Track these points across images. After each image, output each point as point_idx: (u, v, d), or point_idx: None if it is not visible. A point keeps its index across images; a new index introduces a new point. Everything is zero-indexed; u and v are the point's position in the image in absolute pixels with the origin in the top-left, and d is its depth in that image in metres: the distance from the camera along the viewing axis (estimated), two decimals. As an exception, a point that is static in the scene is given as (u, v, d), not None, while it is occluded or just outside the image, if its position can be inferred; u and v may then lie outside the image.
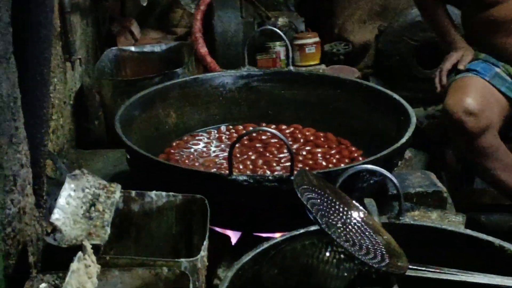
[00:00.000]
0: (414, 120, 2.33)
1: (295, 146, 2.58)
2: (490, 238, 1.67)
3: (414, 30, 3.55)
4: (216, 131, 2.73)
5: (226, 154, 2.40)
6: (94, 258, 1.46)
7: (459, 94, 2.61)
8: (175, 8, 4.28)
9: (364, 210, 1.74)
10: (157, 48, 3.47)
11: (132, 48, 3.47)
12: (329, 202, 1.70)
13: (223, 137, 2.67)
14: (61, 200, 1.63)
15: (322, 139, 2.66)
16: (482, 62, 2.75)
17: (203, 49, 3.76)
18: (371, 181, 2.10)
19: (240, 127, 2.74)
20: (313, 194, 1.66)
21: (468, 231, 1.72)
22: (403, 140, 2.21)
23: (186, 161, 2.47)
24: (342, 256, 1.58)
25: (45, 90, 1.67)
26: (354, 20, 4.15)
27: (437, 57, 3.41)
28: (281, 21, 3.95)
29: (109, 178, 2.57)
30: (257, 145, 2.59)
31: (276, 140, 2.58)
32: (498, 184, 2.77)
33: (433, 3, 2.87)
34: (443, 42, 2.91)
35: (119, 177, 2.64)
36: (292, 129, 2.72)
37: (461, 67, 2.70)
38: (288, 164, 1.99)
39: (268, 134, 2.58)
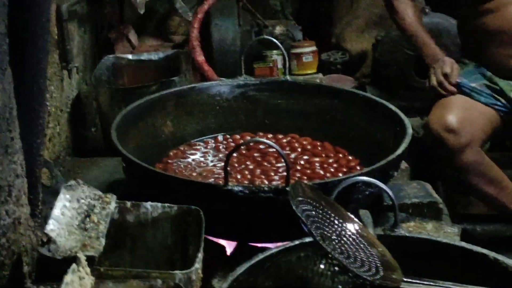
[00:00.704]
0: (410, 131, 2.34)
1: (292, 156, 2.58)
2: (485, 251, 1.67)
3: (411, 39, 3.55)
4: (213, 141, 2.73)
5: (223, 163, 2.41)
6: (88, 270, 1.45)
7: (440, 110, 2.63)
8: (173, 16, 4.29)
9: (359, 222, 1.74)
10: (154, 56, 3.47)
11: (130, 56, 3.47)
12: (324, 214, 1.70)
13: (220, 147, 2.67)
14: (56, 211, 1.62)
15: (319, 148, 2.66)
16: (468, 74, 2.77)
17: (201, 57, 3.76)
18: (367, 192, 2.10)
19: (237, 136, 2.74)
20: (308, 206, 1.67)
21: (463, 244, 1.72)
22: (399, 151, 2.21)
23: (184, 171, 2.47)
24: (336, 268, 1.58)
25: (41, 100, 1.67)
26: (352, 29, 4.15)
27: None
28: (278, 29, 3.96)
29: (105, 186, 2.57)
30: (255, 154, 2.59)
31: (273, 150, 2.57)
32: (484, 198, 2.79)
33: (411, 14, 2.86)
34: (423, 53, 2.88)
35: (115, 185, 2.64)
36: (289, 138, 2.72)
37: (453, 81, 2.69)
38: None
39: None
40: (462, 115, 2.60)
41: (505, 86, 2.75)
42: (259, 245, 2.16)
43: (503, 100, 2.74)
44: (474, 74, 2.79)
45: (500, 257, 1.65)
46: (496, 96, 2.74)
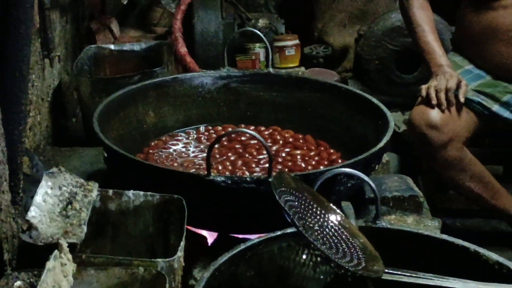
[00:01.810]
0: (392, 124, 2.35)
1: (274, 148, 2.58)
2: (466, 244, 1.68)
3: (394, 35, 3.56)
4: (195, 132, 2.73)
5: (205, 154, 2.40)
6: (70, 256, 1.45)
7: (423, 106, 2.63)
8: (155, 7, 4.27)
9: (341, 213, 1.75)
10: (136, 47, 3.46)
11: (112, 46, 3.45)
12: (306, 204, 1.70)
13: (202, 138, 2.67)
14: (38, 198, 1.62)
15: (301, 141, 2.66)
16: (463, 75, 2.75)
17: (183, 49, 3.76)
18: (349, 184, 2.10)
19: (219, 128, 2.74)
20: (291, 197, 1.67)
21: (444, 236, 1.73)
22: (381, 144, 2.22)
23: (165, 161, 2.47)
24: (318, 258, 1.58)
25: (23, 86, 1.66)
26: (334, 24, 4.15)
27: (416, 63, 3.44)
28: (261, 22, 3.96)
29: (86, 176, 2.56)
30: (237, 146, 2.59)
31: (255, 142, 2.58)
32: (466, 193, 2.79)
33: (425, 17, 2.81)
34: (430, 61, 2.74)
35: (96, 175, 2.62)
36: (271, 130, 2.73)
37: (462, 99, 2.63)
38: (267, 165, 1.99)
39: (247, 135, 2.57)
40: (446, 112, 2.60)
41: (501, 90, 2.74)
42: (240, 236, 2.16)
43: (494, 108, 2.73)
44: (470, 74, 2.78)
45: (481, 250, 1.66)
46: (487, 100, 2.73)
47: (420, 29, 2.77)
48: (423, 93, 2.62)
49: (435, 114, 2.60)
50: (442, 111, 2.59)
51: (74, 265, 1.45)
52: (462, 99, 2.59)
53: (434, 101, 2.58)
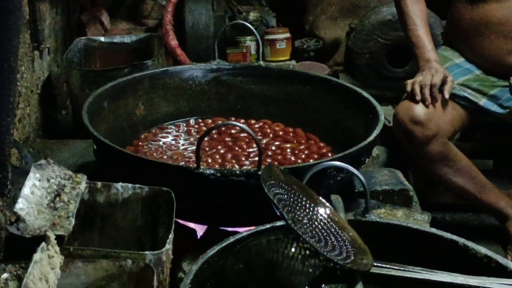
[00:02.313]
0: (382, 118, 2.35)
1: (264, 141, 2.58)
2: (455, 237, 1.68)
3: (385, 28, 3.56)
4: (185, 124, 2.72)
5: (194, 147, 2.40)
6: (57, 249, 1.44)
7: (408, 102, 2.63)
8: (146, -1, 4.26)
9: (330, 206, 1.75)
10: (127, 39, 3.45)
11: (102, 39, 3.45)
12: (296, 198, 1.70)
13: (192, 131, 2.66)
14: (26, 190, 1.61)
15: (291, 134, 2.66)
16: (452, 68, 2.76)
17: (174, 42, 3.75)
18: (338, 178, 2.10)
19: (209, 120, 2.74)
20: (280, 190, 1.66)
21: (433, 230, 1.73)
22: (371, 138, 2.22)
23: (155, 153, 2.46)
24: (307, 252, 1.58)
25: (12, 78, 1.65)
26: (326, 17, 4.15)
27: (407, 57, 3.44)
28: (252, 15, 3.95)
29: (75, 168, 2.55)
30: (226, 139, 2.59)
31: (245, 135, 2.57)
32: (452, 188, 2.80)
33: (418, 11, 2.80)
34: (419, 55, 2.74)
35: (85, 167, 2.62)
36: (261, 124, 2.72)
37: (446, 95, 2.63)
38: (257, 158, 1.99)
39: (237, 128, 2.57)
40: (430, 107, 2.60)
41: (489, 84, 2.74)
42: (229, 229, 2.16)
43: (481, 102, 2.73)
44: (459, 68, 2.78)
45: (470, 244, 1.66)
46: (474, 95, 2.73)
47: (411, 22, 2.77)
48: (408, 88, 2.62)
49: (419, 110, 2.60)
50: (427, 106, 2.59)
51: (62, 258, 1.45)
52: (446, 95, 2.59)
53: (418, 97, 2.59)
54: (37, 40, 2.92)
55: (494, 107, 2.74)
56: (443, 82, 2.59)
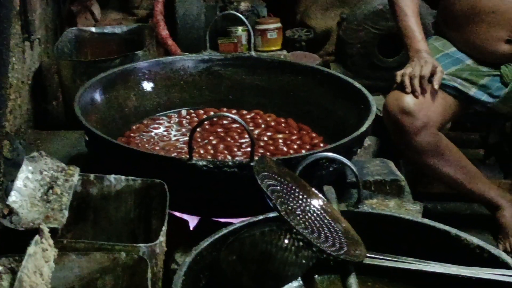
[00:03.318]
0: (374, 108, 2.35)
1: (256, 132, 2.58)
2: (447, 228, 1.69)
3: (376, 18, 3.57)
4: (176, 115, 2.72)
5: (186, 138, 2.40)
6: (51, 241, 1.44)
7: (398, 92, 2.63)
8: (137, -11, 4.24)
9: (323, 198, 1.75)
10: (117, 30, 3.44)
11: (93, 29, 3.43)
12: (288, 189, 1.70)
13: (184, 121, 2.66)
14: (19, 183, 1.61)
15: (283, 125, 2.66)
16: (442, 58, 2.76)
17: (164, 32, 3.74)
18: (331, 169, 2.11)
19: (201, 111, 2.73)
20: (273, 181, 1.66)
21: (426, 221, 1.74)
22: (363, 128, 2.22)
23: (146, 145, 2.46)
24: (300, 243, 1.58)
25: (3, 70, 1.65)
26: (317, 7, 4.15)
27: (398, 46, 3.44)
28: (243, 5, 3.94)
29: (67, 160, 2.55)
30: (218, 130, 2.58)
31: (237, 125, 2.57)
32: (442, 178, 2.80)
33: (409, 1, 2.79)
34: (409, 46, 2.73)
35: (76, 159, 2.62)
36: (253, 114, 2.72)
37: (436, 86, 2.63)
38: (249, 149, 1.99)
39: (230, 119, 2.57)
40: (420, 98, 2.60)
41: (480, 74, 2.75)
42: (222, 220, 2.16)
43: (471, 92, 2.74)
44: (449, 58, 2.79)
45: (462, 234, 1.67)
46: (464, 84, 2.73)
47: (402, 13, 2.76)
48: (398, 79, 2.63)
49: (409, 100, 2.60)
50: (416, 97, 2.60)
51: (56, 250, 1.45)
52: (436, 86, 2.59)
53: (408, 89, 2.59)
54: (28, 31, 2.90)
55: (484, 97, 2.74)
56: (433, 72, 2.60)
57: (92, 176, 1.84)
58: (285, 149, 2.46)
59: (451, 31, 2.85)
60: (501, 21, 2.69)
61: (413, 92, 2.59)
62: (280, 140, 2.53)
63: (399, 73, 2.64)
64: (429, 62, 2.61)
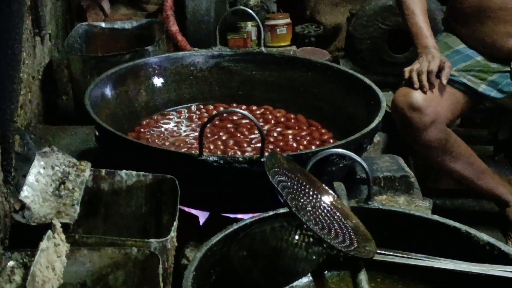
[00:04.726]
0: (384, 104, 2.35)
1: (266, 127, 2.58)
2: (457, 225, 1.69)
3: (386, 14, 3.56)
4: (186, 111, 2.72)
5: (196, 134, 2.41)
6: (63, 236, 1.45)
7: (407, 88, 2.63)
8: (146, -16, 4.25)
9: (333, 194, 1.75)
10: (127, 25, 3.44)
11: (103, 24, 3.44)
12: (299, 185, 1.71)
13: (194, 117, 2.66)
14: (31, 178, 1.61)
15: (292, 120, 2.66)
16: (452, 55, 2.76)
17: (174, 27, 3.74)
18: (341, 165, 2.10)
19: (211, 107, 2.74)
20: (284, 177, 1.67)
21: (436, 217, 1.74)
22: (373, 124, 2.22)
23: (156, 140, 2.46)
24: (311, 239, 1.58)
25: (16, 65, 1.65)
26: (326, 2, 4.15)
27: (407, 42, 3.43)
28: (253, 1, 3.94)
29: (77, 154, 2.56)
30: (228, 125, 2.59)
31: (247, 121, 2.58)
32: (451, 174, 2.81)
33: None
34: (417, 42, 2.75)
35: (86, 153, 2.63)
36: (262, 110, 2.72)
37: (444, 81, 2.62)
38: (259, 145, 1.99)
39: (239, 114, 2.57)
40: (428, 94, 2.60)
41: (489, 70, 2.74)
42: (232, 215, 2.17)
43: (480, 88, 2.73)
44: (459, 54, 2.78)
45: (472, 231, 1.67)
46: (474, 80, 2.73)
47: (409, 10, 2.77)
48: (406, 75, 2.63)
49: (417, 96, 2.60)
50: (424, 93, 2.60)
51: (68, 245, 1.45)
52: (444, 81, 2.59)
53: (416, 85, 2.59)
54: (39, 26, 2.91)
55: (494, 93, 2.74)
56: (441, 68, 2.60)
57: (103, 171, 1.84)
58: (294, 145, 2.47)
59: (460, 28, 2.85)
60: (508, 18, 2.69)
61: (421, 87, 2.59)
62: (290, 136, 2.53)
63: (407, 69, 2.65)
64: (437, 57, 2.61)
